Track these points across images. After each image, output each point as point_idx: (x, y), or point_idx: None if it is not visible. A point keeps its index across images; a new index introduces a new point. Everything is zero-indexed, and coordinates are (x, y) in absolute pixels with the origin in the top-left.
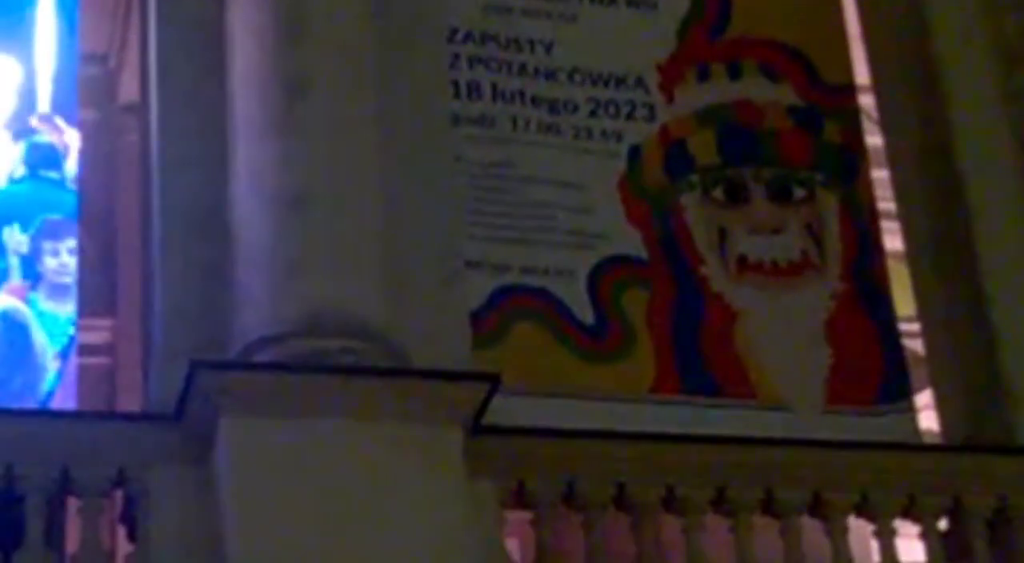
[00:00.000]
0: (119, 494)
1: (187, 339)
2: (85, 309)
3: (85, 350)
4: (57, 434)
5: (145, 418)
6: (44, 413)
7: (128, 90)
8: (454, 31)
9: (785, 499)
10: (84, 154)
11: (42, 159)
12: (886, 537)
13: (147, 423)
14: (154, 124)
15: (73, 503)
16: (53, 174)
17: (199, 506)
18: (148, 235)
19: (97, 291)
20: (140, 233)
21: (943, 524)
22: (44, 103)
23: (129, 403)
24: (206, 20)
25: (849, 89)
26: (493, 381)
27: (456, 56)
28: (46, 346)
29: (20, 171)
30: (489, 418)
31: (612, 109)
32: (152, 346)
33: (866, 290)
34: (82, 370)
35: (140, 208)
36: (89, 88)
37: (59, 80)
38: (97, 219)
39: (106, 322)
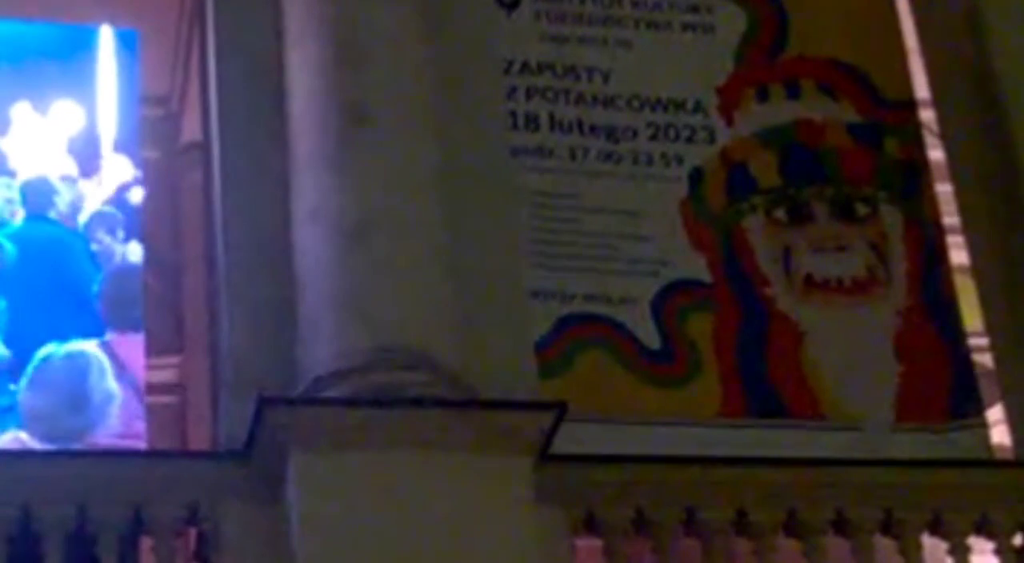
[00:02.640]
0: (192, 532)
1: (255, 375)
2: (153, 348)
3: (154, 389)
4: (128, 473)
5: (215, 455)
6: (115, 453)
7: (191, 130)
8: (510, 62)
9: (857, 519)
10: (148, 194)
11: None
12: (960, 555)
13: (217, 460)
14: (216, 162)
15: (146, 542)
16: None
17: (271, 541)
18: (213, 272)
19: (164, 329)
20: (205, 271)
21: (1018, 540)
22: (107, 145)
23: (199, 441)
24: (265, 57)
25: (909, 105)
26: (560, 409)
27: (513, 88)
28: (112, 392)
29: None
30: (557, 446)
31: (671, 134)
32: (220, 383)
33: (933, 305)
34: (151, 409)
35: (204, 246)
36: (152, 129)
37: (121, 122)
38: (162, 258)
39: (174, 360)
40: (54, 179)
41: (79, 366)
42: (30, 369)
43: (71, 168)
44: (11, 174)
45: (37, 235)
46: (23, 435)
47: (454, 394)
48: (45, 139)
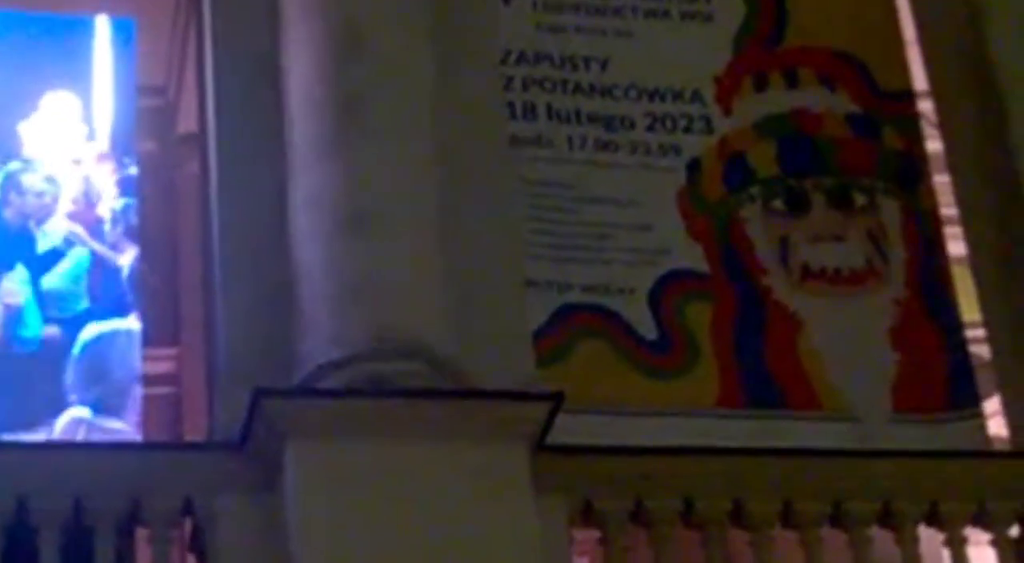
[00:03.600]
0: (188, 523)
1: (251, 366)
2: (149, 339)
3: (149, 380)
4: (124, 464)
5: (211, 446)
6: (111, 444)
7: (187, 120)
8: (507, 52)
9: (854, 510)
10: (144, 185)
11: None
12: (957, 545)
13: (213, 451)
14: (212, 152)
15: (142, 533)
16: None
17: (268, 532)
18: (209, 263)
19: (160, 321)
20: (201, 262)
21: (1014, 531)
22: (103, 136)
23: (195, 432)
24: (262, 47)
25: (907, 95)
26: (557, 400)
27: (510, 78)
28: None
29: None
30: (554, 437)
31: (669, 123)
32: (216, 374)
33: (931, 296)
34: (147, 400)
35: (200, 237)
36: (148, 120)
37: (117, 113)
38: (158, 249)
39: (170, 351)
40: (25, 172)
41: (104, 341)
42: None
43: (88, 159)
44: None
45: None
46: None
47: (451, 384)
48: (64, 129)
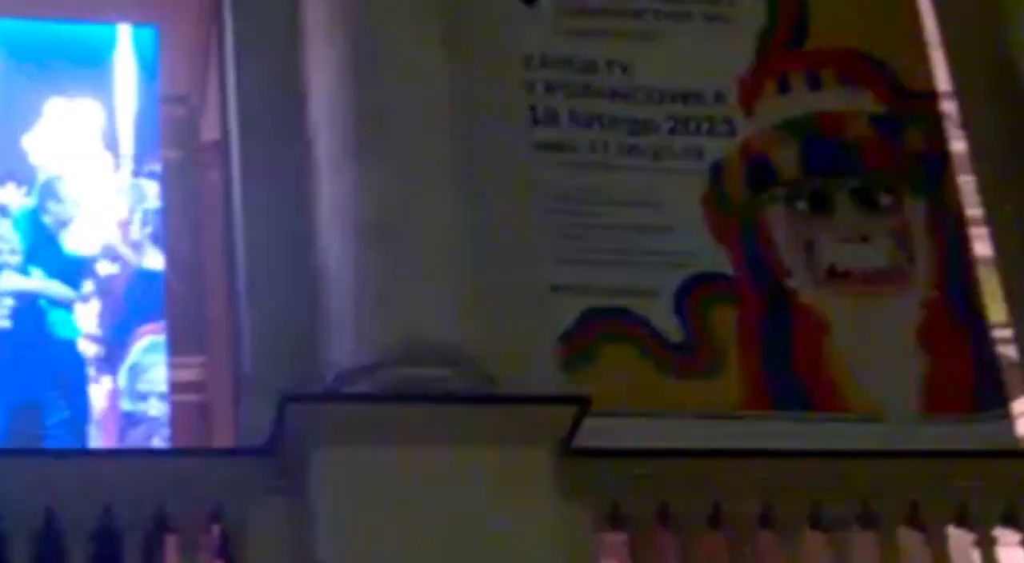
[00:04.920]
0: (216, 529)
1: (277, 372)
2: (175, 347)
3: (177, 387)
4: (153, 471)
5: (239, 453)
6: (140, 451)
7: (210, 128)
8: (529, 57)
9: (882, 511)
10: (168, 193)
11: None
12: (987, 546)
13: (241, 458)
14: (236, 160)
15: (171, 539)
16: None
17: (296, 538)
18: (234, 271)
19: (186, 328)
20: (226, 269)
21: None
22: (126, 145)
23: (222, 439)
24: (284, 54)
25: (931, 95)
26: (583, 403)
27: (532, 82)
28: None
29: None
30: (580, 440)
31: (692, 126)
32: (243, 381)
33: (957, 296)
34: (175, 407)
35: (225, 244)
36: (172, 128)
37: (141, 121)
38: (183, 257)
39: (197, 359)
40: (65, 182)
41: None
42: None
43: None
44: (31, 171)
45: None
46: None
47: (477, 389)
48: (73, 137)
